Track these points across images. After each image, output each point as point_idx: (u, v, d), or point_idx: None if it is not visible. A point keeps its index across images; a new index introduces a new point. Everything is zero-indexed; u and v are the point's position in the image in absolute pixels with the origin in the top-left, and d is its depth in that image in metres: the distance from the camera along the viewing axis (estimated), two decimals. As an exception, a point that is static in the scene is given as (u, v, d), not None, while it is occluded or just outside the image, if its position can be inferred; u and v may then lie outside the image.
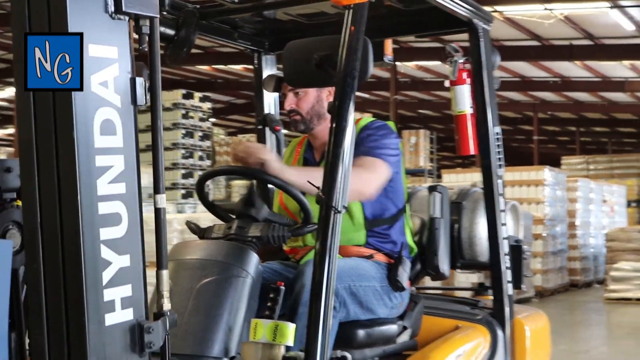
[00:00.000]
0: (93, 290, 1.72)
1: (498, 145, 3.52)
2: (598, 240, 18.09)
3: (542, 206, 15.66)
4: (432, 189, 3.61)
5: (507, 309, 3.47)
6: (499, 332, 3.44)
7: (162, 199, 1.87)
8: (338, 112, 2.56)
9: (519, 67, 20.65)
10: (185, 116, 17.05)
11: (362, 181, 3.07)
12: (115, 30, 1.78)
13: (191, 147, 17.06)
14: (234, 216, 3.10)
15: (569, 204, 17.16)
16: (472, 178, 15.90)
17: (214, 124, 23.51)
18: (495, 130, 3.50)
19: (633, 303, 13.98)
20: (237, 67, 21.47)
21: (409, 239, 3.47)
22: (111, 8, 1.76)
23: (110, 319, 1.76)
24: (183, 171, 15.74)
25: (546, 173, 15.95)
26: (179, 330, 2.42)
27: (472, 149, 3.49)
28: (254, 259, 2.82)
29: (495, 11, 15.20)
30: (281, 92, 3.43)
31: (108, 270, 1.75)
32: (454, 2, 3.20)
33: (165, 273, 1.89)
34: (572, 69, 20.54)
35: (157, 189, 1.87)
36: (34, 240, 1.73)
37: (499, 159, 3.53)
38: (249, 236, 2.91)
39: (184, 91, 15.48)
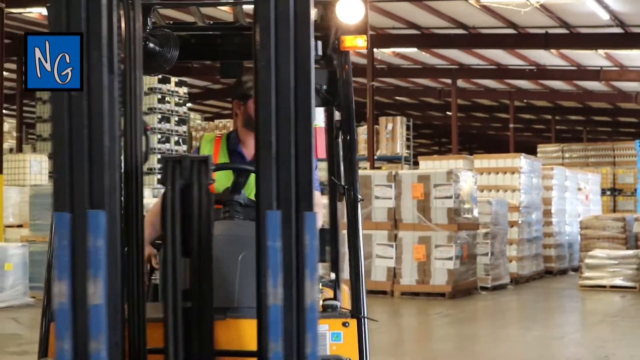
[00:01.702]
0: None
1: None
2: (573, 228, 18.22)
3: (518, 194, 15.75)
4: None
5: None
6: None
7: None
8: (349, 127, 3.65)
9: (496, 54, 20.73)
10: (161, 101, 16.95)
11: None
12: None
13: (167, 132, 16.98)
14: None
15: (545, 191, 17.26)
16: (448, 165, 15.97)
17: (190, 109, 23.39)
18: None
19: (607, 290, 14.11)
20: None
21: None
22: (319, 52, 3.15)
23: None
24: (159, 156, 15.61)
25: (522, 161, 16.04)
26: (238, 288, 3.16)
27: (320, 154, 4.18)
28: None
29: (473, -2, 15.24)
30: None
31: None
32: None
33: None
34: (548, 58, 20.65)
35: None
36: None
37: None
38: (248, 218, 3.45)
39: (160, 76, 15.35)
